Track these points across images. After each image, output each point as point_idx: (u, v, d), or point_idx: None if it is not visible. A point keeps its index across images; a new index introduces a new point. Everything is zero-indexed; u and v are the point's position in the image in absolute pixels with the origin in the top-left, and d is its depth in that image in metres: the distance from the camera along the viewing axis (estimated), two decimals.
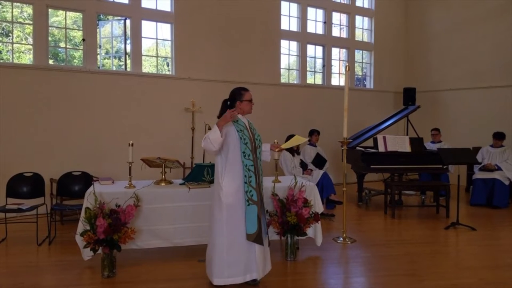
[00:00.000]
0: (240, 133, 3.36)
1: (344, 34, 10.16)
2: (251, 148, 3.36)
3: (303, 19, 9.32)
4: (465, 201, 7.43)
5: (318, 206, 4.60)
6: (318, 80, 9.84)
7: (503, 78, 8.46)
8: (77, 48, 8.33)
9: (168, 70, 8.54)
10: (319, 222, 4.50)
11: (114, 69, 8.01)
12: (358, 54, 10.32)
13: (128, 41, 7.44)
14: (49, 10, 6.69)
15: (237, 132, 3.36)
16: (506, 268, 4.17)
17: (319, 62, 9.83)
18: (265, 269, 3.48)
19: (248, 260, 3.34)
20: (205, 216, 3.95)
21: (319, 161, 7.16)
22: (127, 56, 7.56)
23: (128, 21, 7.37)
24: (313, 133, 7.41)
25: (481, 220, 6.22)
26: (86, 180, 5.23)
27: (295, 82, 9.42)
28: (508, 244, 5.15)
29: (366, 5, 10.32)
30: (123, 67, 7.75)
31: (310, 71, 9.66)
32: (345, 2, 9.95)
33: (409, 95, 9.36)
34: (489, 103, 8.73)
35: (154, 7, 7.54)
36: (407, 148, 6.86)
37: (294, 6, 9.30)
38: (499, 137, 7.33)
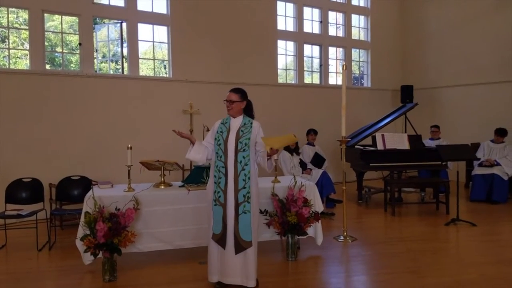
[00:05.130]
0: (218, 134, 3.45)
1: (340, 33, 10.17)
2: (224, 150, 3.36)
3: (299, 19, 9.33)
4: (465, 197, 7.43)
5: (318, 205, 4.60)
6: (316, 79, 9.84)
7: (501, 74, 8.47)
8: (74, 52, 8.32)
9: (166, 73, 8.54)
10: (320, 221, 4.50)
11: (111, 72, 8.00)
12: (355, 53, 10.33)
13: (125, 45, 7.44)
14: (45, 14, 6.68)
15: (216, 133, 3.47)
16: (508, 263, 4.16)
17: (316, 62, 9.83)
18: (238, 279, 3.36)
19: (221, 261, 3.40)
20: (204, 218, 3.95)
21: (318, 160, 7.17)
22: (124, 59, 7.55)
23: (124, 24, 7.37)
24: (310, 133, 7.42)
25: (481, 215, 6.22)
26: (85, 184, 5.21)
27: (293, 82, 9.42)
28: (509, 239, 5.16)
29: (362, 4, 10.33)
30: (120, 70, 7.74)
31: (307, 70, 9.66)
32: (341, 1, 9.96)
33: (407, 93, 9.38)
34: (487, 99, 8.74)
35: (150, 10, 7.53)
36: (405, 145, 6.87)
37: (290, 6, 9.31)
38: (501, 133, 7.32)
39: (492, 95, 8.63)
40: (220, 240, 3.36)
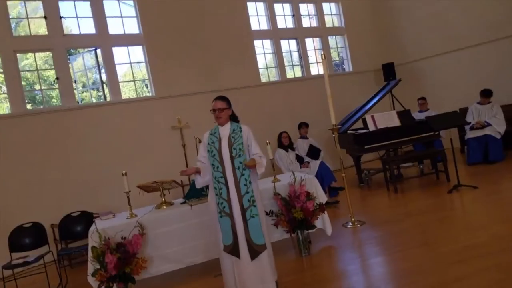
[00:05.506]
0: (210, 145, 3.42)
1: (314, 23, 10.20)
2: (219, 160, 3.34)
3: (271, 16, 9.34)
4: (462, 162, 7.50)
5: (322, 197, 4.62)
6: (298, 72, 9.87)
7: (478, 37, 8.53)
8: (53, 87, 8.27)
9: (148, 92, 8.51)
10: (325, 212, 4.51)
11: (94, 101, 7.96)
12: (332, 40, 10.37)
13: (103, 70, 7.40)
14: (18, 55, 6.63)
15: (208, 145, 3.44)
16: None
17: (295, 55, 9.86)
18: (257, 285, 3.33)
19: (237, 271, 3.33)
20: (211, 231, 3.93)
21: (313, 152, 7.18)
22: (104, 85, 7.51)
23: (99, 51, 7.33)
24: (301, 126, 7.43)
25: (481, 177, 6.28)
26: (87, 219, 5.15)
27: (276, 79, 9.44)
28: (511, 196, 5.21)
29: None
30: (102, 97, 7.70)
31: (288, 65, 9.68)
32: None
33: (389, 71, 9.44)
34: (468, 63, 8.81)
35: (122, 32, 7.51)
36: (396, 122, 6.91)
37: (261, 5, 9.32)
38: (486, 94, 7.37)
39: (472, 59, 8.70)
40: (233, 250, 3.32)
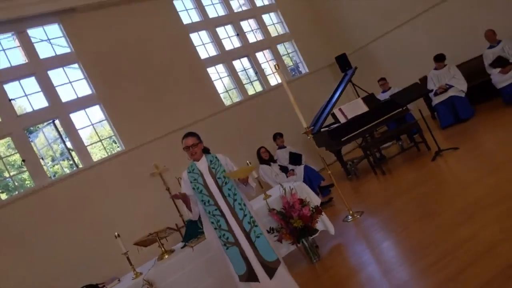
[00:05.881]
0: (193, 183, 3.38)
1: (260, 37, 10.39)
2: (208, 194, 3.33)
3: (217, 41, 9.47)
4: (437, 128, 7.69)
5: (315, 199, 4.64)
6: (258, 87, 9.98)
7: (414, 9, 8.87)
8: (23, 170, 8.04)
9: (118, 147, 8.40)
10: (323, 213, 4.52)
11: (67, 171, 7.78)
12: (281, 48, 10.57)
13: (67, 139, 7.27)
14: None
15: (191, 183, 3.39)
16: (502, 167, 4.33)
17: (251, 71, 9.99)
18: None
19: None
20: (220, 265, 3.86)
21: (295, 159, 7.22)
22: (72, 153, 7.37)
23: (57, 121, 7.22)
24: (276, 137, 7.50)
25: (458, 137, 6.46)
26: None
27: (239, 99, 9.50)
28: (491, 147, 5.38)
29: (266, 1, 10.62)
30: (74, 165, 7.54)
31: (246, 83, 9.79)
32: (247, 8, 10.22)
33: (343, 62, 9.64)
34: (413, 35, 9.10)
35: (75, 97, 7.42)
36: (364, 108, 7.06)
37: (203, 33, 9.44)
38: (439, 58, 7.60)
39: (416, 29, 9.00)
40: (250, 276, 3.26)
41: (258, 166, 6.95)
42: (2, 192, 7.66)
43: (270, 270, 3.27)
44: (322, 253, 4.39)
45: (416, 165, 6.11)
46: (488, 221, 3.28)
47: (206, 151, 3.57)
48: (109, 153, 8.29)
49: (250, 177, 3.44)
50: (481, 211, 3.51)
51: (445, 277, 2.78)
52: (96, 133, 7.84)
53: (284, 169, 7.05)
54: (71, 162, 7.90)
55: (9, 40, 7.21)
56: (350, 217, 5.07)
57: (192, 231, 4.37)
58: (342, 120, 6.98)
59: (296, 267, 4.35)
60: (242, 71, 9.87)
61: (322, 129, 7.39)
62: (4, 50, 7.03)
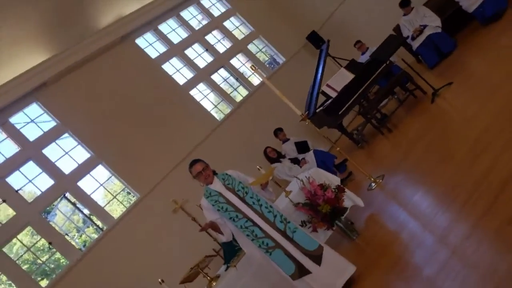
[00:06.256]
0: (216, 205, 3.40)
1: (228, 44, 10.41)
2: (235, 209, 3.37)
3: (189, 62, 9.51)
4: (425, 70, 7.62)
5: (334, 180, 4.62)
6: (244, 92, 9.99)
7: None
8: (53, 251, 8.12)
9: (133, 196, 8.46)
10: (346, 190, 4.51)
11: (95, 236, 7.85)
12: (252, 46, 10.60)
13: (82, 207, 7.34)
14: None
15: (213, 206, 3.42)
16: (499, 87, 4.30)
17: (232, 79, 10.03)
18: (340, 279, 3.34)
19: (319, 284, 3.28)
20: (268, 273, 3.85)
21: (302, 147, 7.22)
22: (93, 217, 7.44)
23: (68, 194, 7.28)
24: (277, 133, 7.51)
25: (449, 72, 6.42)
26: None
27: (230, 110, 9.49)
28: (483, 70, 5.34)
29: (222, 9, 10.64)
30: (99, 229, 7.61)
31: (232, 92, 9.82)
32: (207, 21, 10.25)
33: (315, 39, 9.64)
34: None
35: (76, 164, 7.48)
36: (349, 76, 7.02)
37: (174, 60, 9.48)
38: (405, 3, 7.51)
39: None
40: (301, 272, 3.28)
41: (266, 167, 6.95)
42: (42, 279, 7.72)
43: (317, 258, 3.30)
44: (359, 228, 4.38)
45: (418, 112, 6.09)
46: (502, 147, 3.24)
47: (214, 173, 3.60)
48: (127, 205, 8.34)
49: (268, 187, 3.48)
50: (492, 139, 3.48)
51: (482, 210, 2.76)
52: (108, 191, 7.90)
53: (295, 160, 7.05)
54: (95, 227, 7.97)
55: None
56: (373, 184, 5.06)
57: (230, 251, 4.40)
58: (333, 94, 6.98)
59: (339, 250, 4.30)
60: (223, 82, 9.92)
61: (317, 111, 7.38)
62: None
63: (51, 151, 7.42)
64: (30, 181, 7.13)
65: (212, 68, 9.74)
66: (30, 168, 7.22)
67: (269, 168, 3.77)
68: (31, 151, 7.23)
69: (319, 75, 7.99)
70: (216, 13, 10.52)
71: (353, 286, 3.42)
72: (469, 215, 2.87)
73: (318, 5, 10.14)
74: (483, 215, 2.73)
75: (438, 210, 3.32)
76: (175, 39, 9.68)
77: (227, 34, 10.34)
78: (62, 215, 7.64)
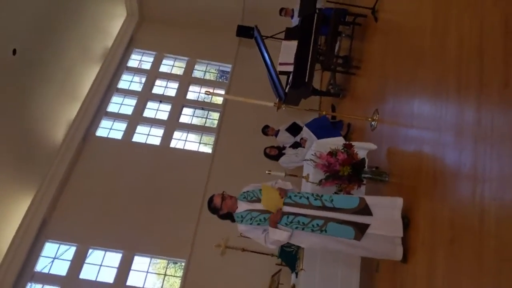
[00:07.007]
0: (254, 221, 3.37)
1: (175, 84, 10.34)
2: (269, 214, 3.35)
3: (153, 121, 9.56)
4: None
5: (338, 141, 4.60)
6: (216, 115, 9.93)
7: None
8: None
9: (181, 264, 8.40)
10: (353, 143, 4.48)
11: None
12: (196, 72, 10.63)
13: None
14: None
15: (251, 225, 3.40)
16: None
17: (198, 111, 10.04)
18: (395, 211, 3.34)
19: (382, 241, 3.31)
20: (334, 255, 3.86)
21: (293, 129, 7.20)
22: None
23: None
24: (265, 131, 7.49)
25: None
26: None
27: (213, 138, 9.40)
28: None
29: (150, 59, 10.61)
30: None
31: (205, 121, 9.83)
32: (142, 78, 10.27)
33: (244, 31, 9.47)
34: None
35: (115, 270, 7.44)
36: (294, 44, 7.00)
37: (139, 129, 9.46)
38: None
39: None
40: (361, 229, 3.24)
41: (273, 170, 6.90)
42: None
43: (365, 210, 3.30)
44: (386, 168, 4.34)
45: (370, 36, 6.08)
46: (456, 16, 3.20)
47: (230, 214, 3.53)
48: (180, 275, 8.31)
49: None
50: (446, 17, 3.41)
51: (477, 86, 2.72)
52: (157, 273, 7.88)
53: (296, 145, 7.01)
54: None
55: None
56: (373, 122, 5.03)
57: (289, 258, 4.38)
58: (290, 68, 6.95)
59: (379, 195, 4.31)
60: (191, 117, 9.92)
61: (286, 91, 7.34)
62: None
63: (87, 272, 7.42)
64: None
65: (174, 113, 9.72)
66: None
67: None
68: (69, 285, 7.27)
69: (267, 60, 7.94)
70: (147, 66, 10.53)
71: (411, 224, 3.37)
72: (469, 97, 2.84)
73: (224, 2, 10.13)
74: (480, 91, 2.69)
75: (440, 109, 3.28)
76: (128, 110, 9.68)
77: (168, 77, 10.37)
78: None
